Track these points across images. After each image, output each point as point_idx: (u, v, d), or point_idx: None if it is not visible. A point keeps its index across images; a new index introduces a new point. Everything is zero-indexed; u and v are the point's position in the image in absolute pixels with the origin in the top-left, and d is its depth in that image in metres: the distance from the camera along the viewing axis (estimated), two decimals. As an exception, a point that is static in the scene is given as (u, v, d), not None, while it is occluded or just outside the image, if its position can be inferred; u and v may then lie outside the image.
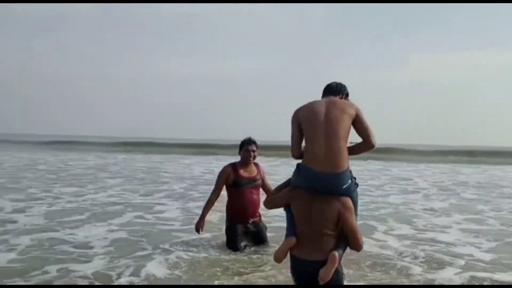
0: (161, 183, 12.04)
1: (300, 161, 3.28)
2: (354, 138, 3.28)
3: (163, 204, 8.40)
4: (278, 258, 3.13)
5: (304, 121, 3.25)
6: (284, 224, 3.41)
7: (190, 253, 4.80)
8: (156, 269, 4.23)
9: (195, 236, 5.37)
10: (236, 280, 4.01)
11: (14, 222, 6.46)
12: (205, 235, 5.37)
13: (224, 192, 5.03)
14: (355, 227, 3.09)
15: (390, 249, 5.21)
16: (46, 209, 7.57)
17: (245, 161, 4.94)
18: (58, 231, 5.91)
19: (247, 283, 3.97)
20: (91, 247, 5.13)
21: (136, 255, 4.79)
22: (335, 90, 3.49)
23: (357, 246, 3.11)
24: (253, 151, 4.92)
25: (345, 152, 3.12)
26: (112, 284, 3.93)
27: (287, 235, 3.21)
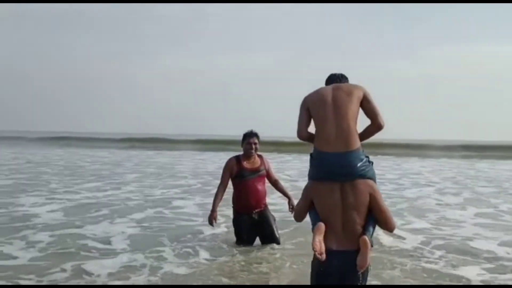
0: (178, 178, 12.26)
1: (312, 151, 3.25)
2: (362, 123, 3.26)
3: (182, 198, 8.60)
4: (318, 251, 2.88)
5: (313, 105, 3.26)
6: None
7: (208, 250, 4.97)
8: (175, 267, 4.37)
9: (213, 231, 5.59)
10: (252, 278, 4.12)
11: (36, 216, 6.67)
12: (223, 228, 5.51)
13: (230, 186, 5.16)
14: (386, 207, 3.08)
15: (408, 244, 5.33)
16: (68, 204, 7.79)
17: (247, 153, 5.08)
18: (80, 227, 6.07)
19: (261, 279, 4.08)
20: (111, 243, 5.26)
21: (155, 252, 4.89)
22: (337, 78, 3.50)
23: (390, 226, 3.08)
24: (255, 143, 5.06)
25: (356, 132, 3.13)
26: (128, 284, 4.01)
27: (314, 224, 3.07)
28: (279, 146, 30.41)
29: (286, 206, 5.18)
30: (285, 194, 5.27)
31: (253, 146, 5.04)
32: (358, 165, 3.07)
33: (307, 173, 3.23)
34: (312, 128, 3.34)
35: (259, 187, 5.06)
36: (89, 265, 4.41)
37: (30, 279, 4.01)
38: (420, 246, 5.24)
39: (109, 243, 5.28)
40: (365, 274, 3.06)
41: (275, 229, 5.13)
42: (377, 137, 3.50)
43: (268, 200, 5.27)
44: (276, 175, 5.40)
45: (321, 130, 3.18)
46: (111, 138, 44.20)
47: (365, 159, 3.13)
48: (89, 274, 4.16)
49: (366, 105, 3.21)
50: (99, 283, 3.97)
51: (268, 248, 4.99)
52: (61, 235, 5.59)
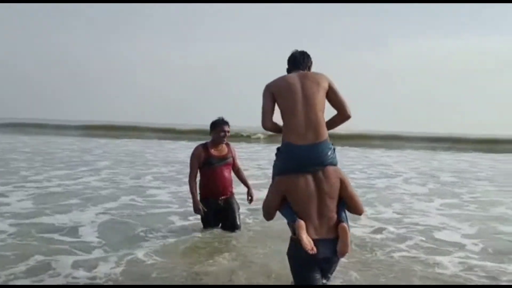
0: (149, 166, 12.21)
1: (279, 145, 3.31)
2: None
3: (155, 187, 8.61)
4: (308, 248, 2.94)
5: (279, 94, 3.25)
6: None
7: (180, 237, 5.08)
8: (144, 255, 4.37)
9: (188, 221, 5.80)
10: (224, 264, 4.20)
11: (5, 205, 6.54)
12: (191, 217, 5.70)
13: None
14: (355, 192, 3.21)
15: (380, 233, 5.55)
16: (38, 191, 7.67)
17: (218, 141, 5.13)
18: (48, 215, 5.97)
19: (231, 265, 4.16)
20: (81, 233, 5.18)
21: (127, 241, 4.90)
22: (300, 62, 3.47)
23: (360, 210, 3.22)
24: (227, 131, 5.14)
25: (324, 123, 3.21)
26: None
27: (294, 221, 3.09)
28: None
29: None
30: (245, 183, 5.38)
31: (226, 134, 5.12)
32: (328, 153, 3.18)
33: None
34: (277, 118, 3.35)
35: (226, 174, 5.16)
36: (56, 257, 4.24)
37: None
38: (390, 235, 5.41)
39: (78, 233, 5.20)
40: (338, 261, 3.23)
41: (237, 216, 5.26)
42: (343, 128, 3.60)
43: (239, 189, 5.36)
44: (241, 164, 5.50)
45: (289, 121, 3.20)
46: (73, 125, 42.59)
47: (332, 148, 3.25)
48: (53, 268, 3.95)
49: (332, 95, 3.27)
50: (63, 276, 3.77)
51: (232, 234, 5.13)
52: (28, 224, 5.47)
